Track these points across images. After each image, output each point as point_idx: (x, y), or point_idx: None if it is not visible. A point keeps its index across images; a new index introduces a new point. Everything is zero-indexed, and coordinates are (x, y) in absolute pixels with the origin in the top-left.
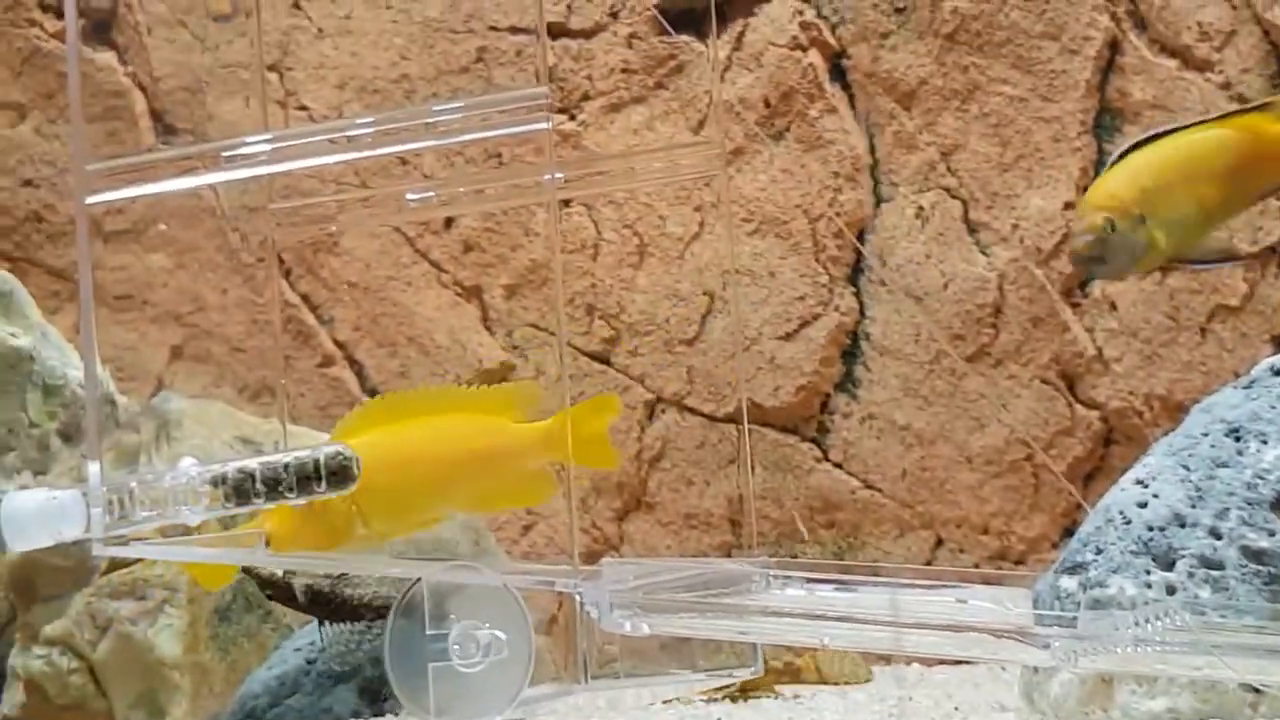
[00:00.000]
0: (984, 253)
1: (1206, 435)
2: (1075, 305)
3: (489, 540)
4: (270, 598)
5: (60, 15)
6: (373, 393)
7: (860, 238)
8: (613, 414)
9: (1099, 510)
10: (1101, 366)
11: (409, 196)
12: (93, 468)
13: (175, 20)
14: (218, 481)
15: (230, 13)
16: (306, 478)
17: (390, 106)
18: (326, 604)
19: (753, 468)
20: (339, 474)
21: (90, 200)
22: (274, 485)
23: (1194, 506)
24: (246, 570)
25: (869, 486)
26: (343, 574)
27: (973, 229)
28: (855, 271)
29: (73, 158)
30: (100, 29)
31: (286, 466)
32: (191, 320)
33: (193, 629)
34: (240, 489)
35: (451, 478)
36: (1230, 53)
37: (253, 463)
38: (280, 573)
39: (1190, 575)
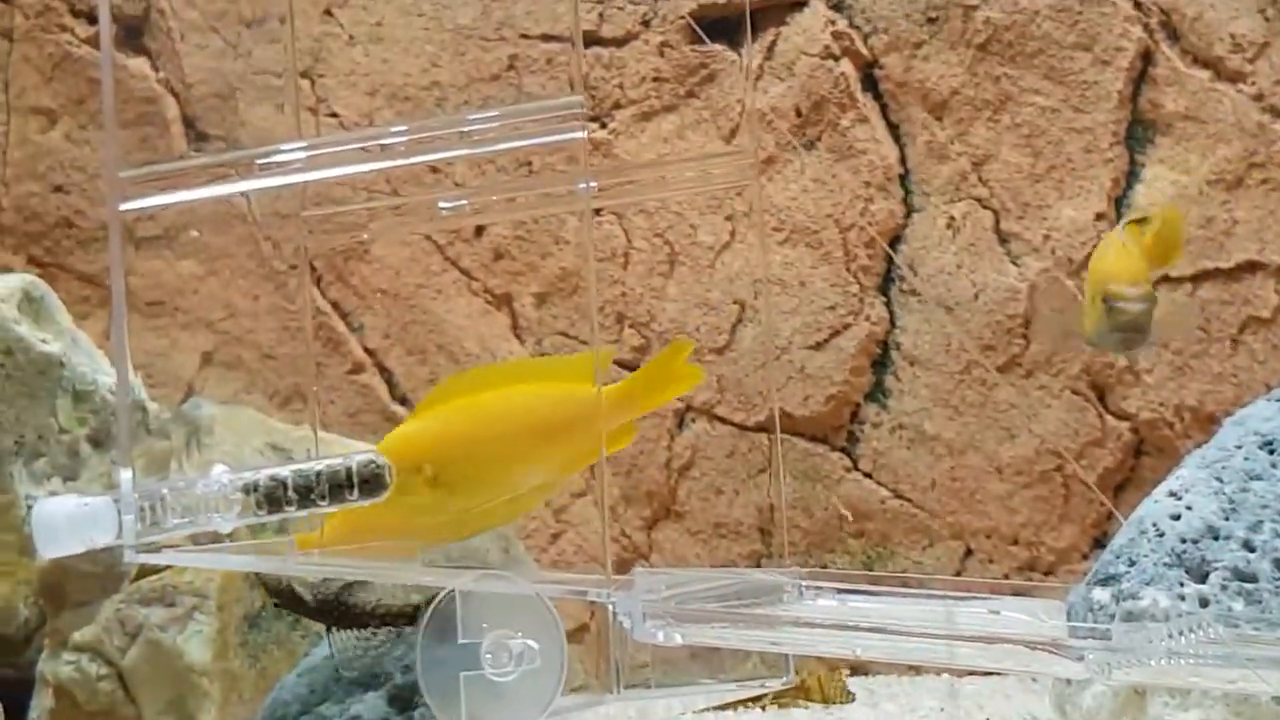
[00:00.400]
0: (1015, 263)
1: (1240, 448)
2: None
3: (518, 548)
4: (278, 605)
5: (92, 21)
6: (403, 400)
7: (892, 247)
8: (686, 350)
9: (1132, 522)
10: (1132, 377)
11: (441, 205)
12: (124, 474)
13: (208, 26)
14: (249, 489)
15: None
16: (339, 486)
17: (421, 114)
18: (333, 611)
19: (782, 477)
20: (371, 482)
21: (123, 207)
22: (306, 493)
23: (1227, 519)
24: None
25: (899, 496)
26: (352, 580)
27: (1004, 239)
28: (886, 281)
29: (105, 164)
30: (132, 35)
31: (319, 474)
32: (223, 327)
33: (222, 636)
34: (272, 496)
35: (530, 447)
36: (1263, 64)
37: (285, 470)
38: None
39: (1224, 588)
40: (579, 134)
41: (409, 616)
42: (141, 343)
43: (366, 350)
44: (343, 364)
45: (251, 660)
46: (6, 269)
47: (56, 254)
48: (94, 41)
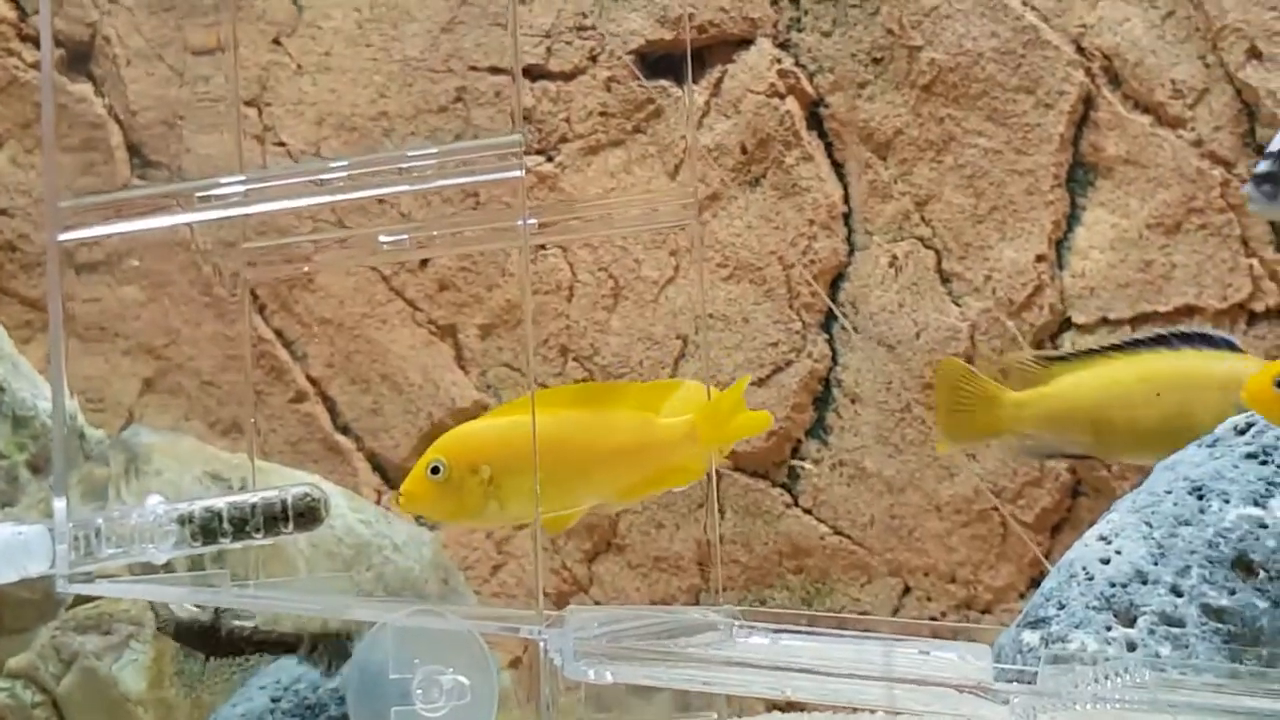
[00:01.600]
0: (956, 303)
1: (1170, 493)
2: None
3: (458, 579)
4: (159, 629)
5: (40, 45)
6: (345, 430)
7: (834, 285)
8: (743, 386)
9: (1062, 565)
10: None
11: (383, 239)
12: (58, 504)
13: (154, 54)
14: (184, 520)
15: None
16: (274, 518)
17: (368, 144)
18: (208, 638)
19: (722, 512)
20: (306, 515)
21: (62, 237)
22: (241, 525)
23: (1156, 564)
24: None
25: (838, 533)
26: (230, 607)
27: (945, 279)
28: (828, 318)
29: (46, 194)
30: (78, 61)
31: (254, 507)
32: (164, 354)
33: (157, 665)
34: (207, 528)
35: (594, 468)
36: (1202, 110)
37: (220, 502)
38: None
39: (1151, 632)
40: (517, 173)
41: (288, 645)
42: (81, 368)
43: (310, 379)
44: (285, 393)
45: (187, 690)
46: None
47: (0, 278)
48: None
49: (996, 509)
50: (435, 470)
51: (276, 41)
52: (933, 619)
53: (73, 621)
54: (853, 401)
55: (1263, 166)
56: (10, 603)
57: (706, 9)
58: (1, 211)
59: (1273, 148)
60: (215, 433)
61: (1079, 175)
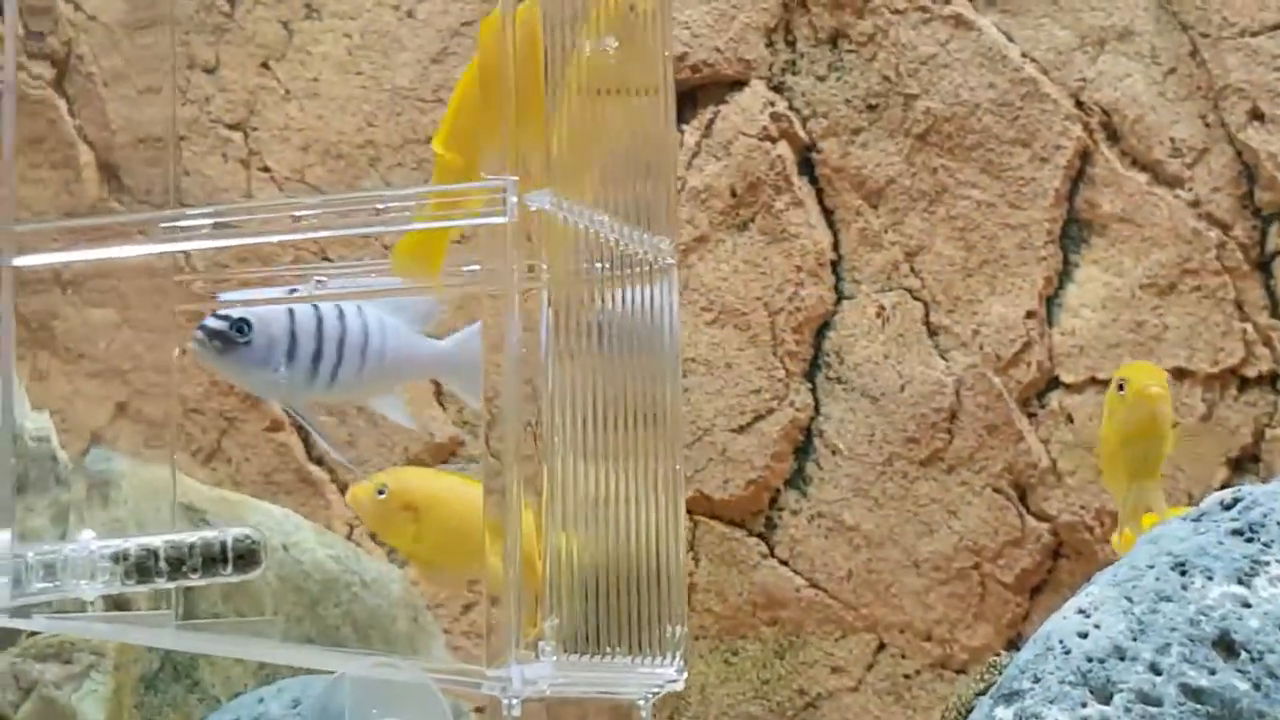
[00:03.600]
0: (943, 357)
1: (1152, 567)
2: (1031, 415)
3: (427, 618)
4: None
5: (26, 59)
6: (319, 461)
7: (820, 334)
8: None
9: (1039, 637)
10: (1054, 478)
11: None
12: (2, 536)
13: (131, 73)
14: (119, 558)
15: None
16: (212, 559)
17: (354, 173)
18: None
19: (697, 560)
20: (245, 558)
21: (16, 261)
22: (178, 565)
23: (1135, 640)
24: None
25: (814, 585)
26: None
27: (933, 332)
28: (813, 367)
29: (1, 217)
30: (56, 77)
31: (191, 547)
32: (135, 377)
33: (117, 696)
34: (143, 567)
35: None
36: (1201, 170)
37: (157, 541)
38: None
39: (1127, 710)
40: (502, 219)
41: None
42: (56, 388)
43: (285, 409)
44: (261, 421)
45: None
46: None
47: None
48: (26, 82)
49: (977, 566)
50: (380, 492)
51: (265, 65)
52: (906, 677)
53: (33, 649)
54: (834, 453)
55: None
56: None
57: (700, 48)
58: None
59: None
60: (194, 461)
61: (1073, 231)
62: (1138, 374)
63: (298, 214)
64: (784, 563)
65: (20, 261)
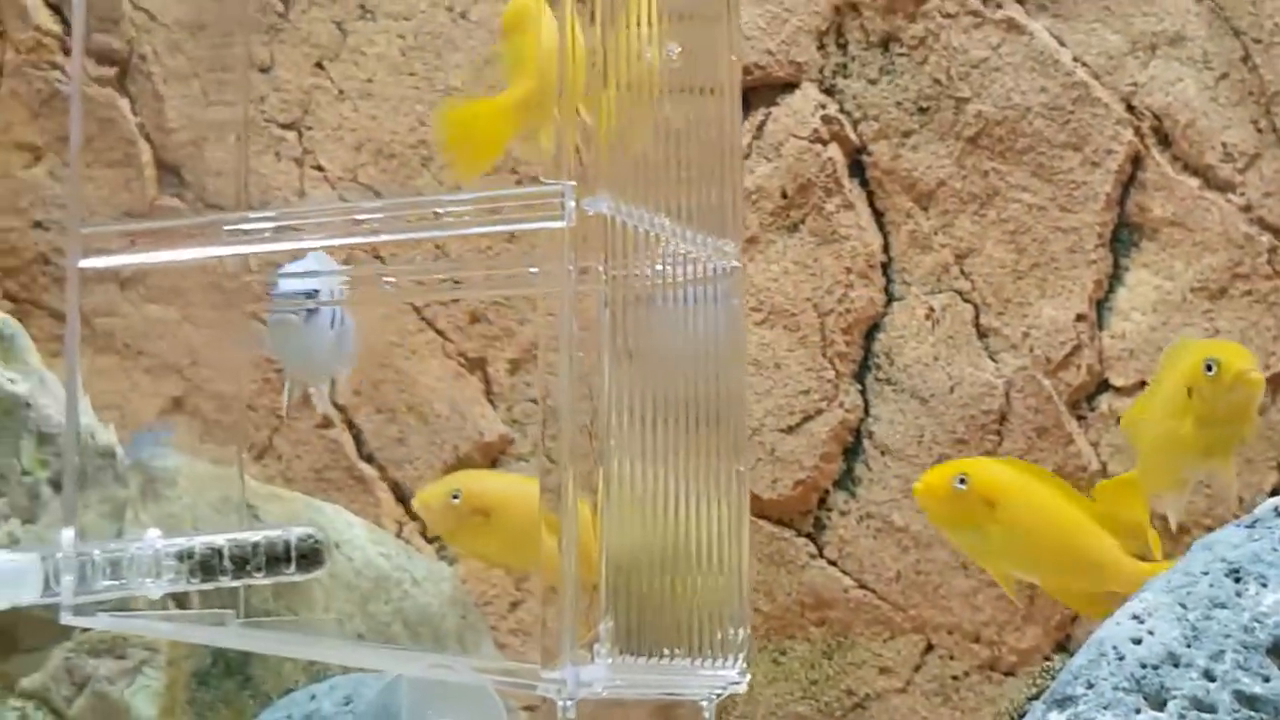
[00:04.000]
0: (993, 359)
1: (1206, 574)
2: (1081, 418)
3: (476, 616)
4: None
5: (87, 58)
6: (369, 459)
7: (869, 335)
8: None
9: (1092, 643)
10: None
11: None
12: (66, 533)
13: (192, 73)
14: (184, 556)
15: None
16: (276, 558)
17: (407, 173)
18: None
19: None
20: (309, 557)
21: (82, 263)
22: (242, 564)
23: (1189, 646)
24: None
25: (862, 586)
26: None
27: (983, 334)
28: (862, 368)
29: (69, 217)
30: (119, 77)
31: (256, 546)
32: (193, 374)
33: (170, 692)
34: (207, 565)
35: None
36: (1253, 175)
37: (221, 539)
38: None
39: (1181, 716)
40: (559, 224)
41: None
42: (114, 384)
43: (336, 406)
44: (312, 417)
45: (198, 718)
46: None
47: (32, 290)
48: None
49: None
50: (455, 496)
51: (319, 65)
52: (954, 678)
53: (87, 644)
54: (883, 453)
55: None
56: (26, 620)
57: (752, 51)
58: (37, 224)
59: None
60: (246, 458)
61: (1124, 235)
62: (1232, 356)
63: (358, 217)
64: (832, 563)
65: (86, 263)
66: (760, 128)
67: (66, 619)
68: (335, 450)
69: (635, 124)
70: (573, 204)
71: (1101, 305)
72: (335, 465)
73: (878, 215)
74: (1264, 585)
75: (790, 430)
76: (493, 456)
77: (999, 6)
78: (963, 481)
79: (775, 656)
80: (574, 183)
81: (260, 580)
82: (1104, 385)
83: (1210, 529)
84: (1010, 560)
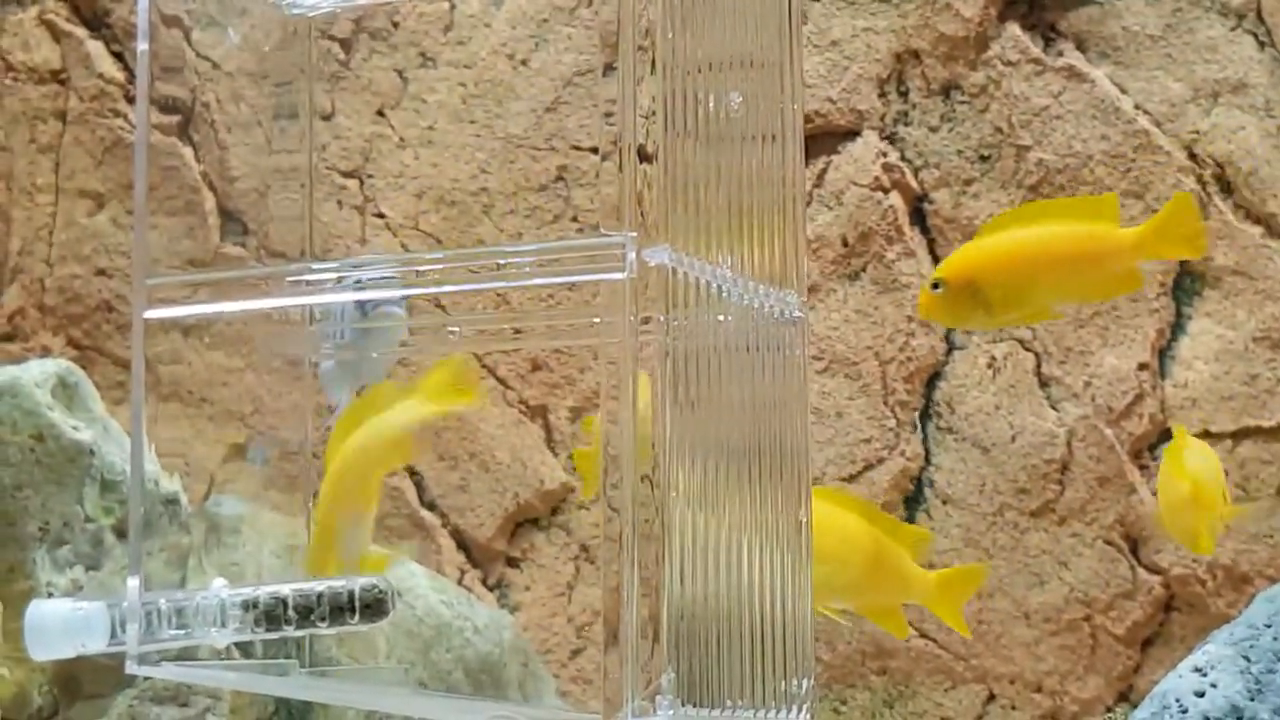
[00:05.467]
0: (1054, 408)
1: (1269, 626)
2: (1143, 468)
3: (537, 664)
4: None
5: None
6: (431, 506)
7: (930, 384)
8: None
9: (1155, 696)
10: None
11: (449, 329)
12: (132, 582)
13: (255, 121)
14: (249, 605)
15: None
16: (340, 608)
17: (467, 220)
18: None
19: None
20: (373, 607)
21: (147, 315)
22: (306, 613)
23: (1253, 699)
24: None
25: (923, 636)
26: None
27: (1044, 383)
28: (924, 417)
29: (134, 269)
30: (182, 125)
31: (320, 596)
32: (257, 421)
33: None
34: (271, 615)
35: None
36: None
37: (286, 589)
38: None
39: None
40: (619, 275)
41: None
42: (178, 432)
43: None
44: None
45: None
46: (45, 350)
47: (95, 337)
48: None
49: (1088, 618)
50: (935, 286)
51: (380, 113)
52: None
53: (150, 691)
54: (944, 503)
55: None
56: (89, 667)
57: (813, 99)
58: (100, 272)
59: None
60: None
61: (1186, 284)
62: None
63: (420, 269)
64: None
65: (151, 314)
66: (821, 176)
67: (132, 668)
68: (396, 498)
69: (697, 173)
70: (633, 255)
71: (1164, 354)
72: (397, 513)
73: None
74: None
75: (852, 479)
76: (553, 504)
77: (1060, 54)
78: None
79: (836, 706)
80: (635, 234)
81: (324, 630)
82: (1166, 435)
83: (1273, 580)
84: (826, 593)
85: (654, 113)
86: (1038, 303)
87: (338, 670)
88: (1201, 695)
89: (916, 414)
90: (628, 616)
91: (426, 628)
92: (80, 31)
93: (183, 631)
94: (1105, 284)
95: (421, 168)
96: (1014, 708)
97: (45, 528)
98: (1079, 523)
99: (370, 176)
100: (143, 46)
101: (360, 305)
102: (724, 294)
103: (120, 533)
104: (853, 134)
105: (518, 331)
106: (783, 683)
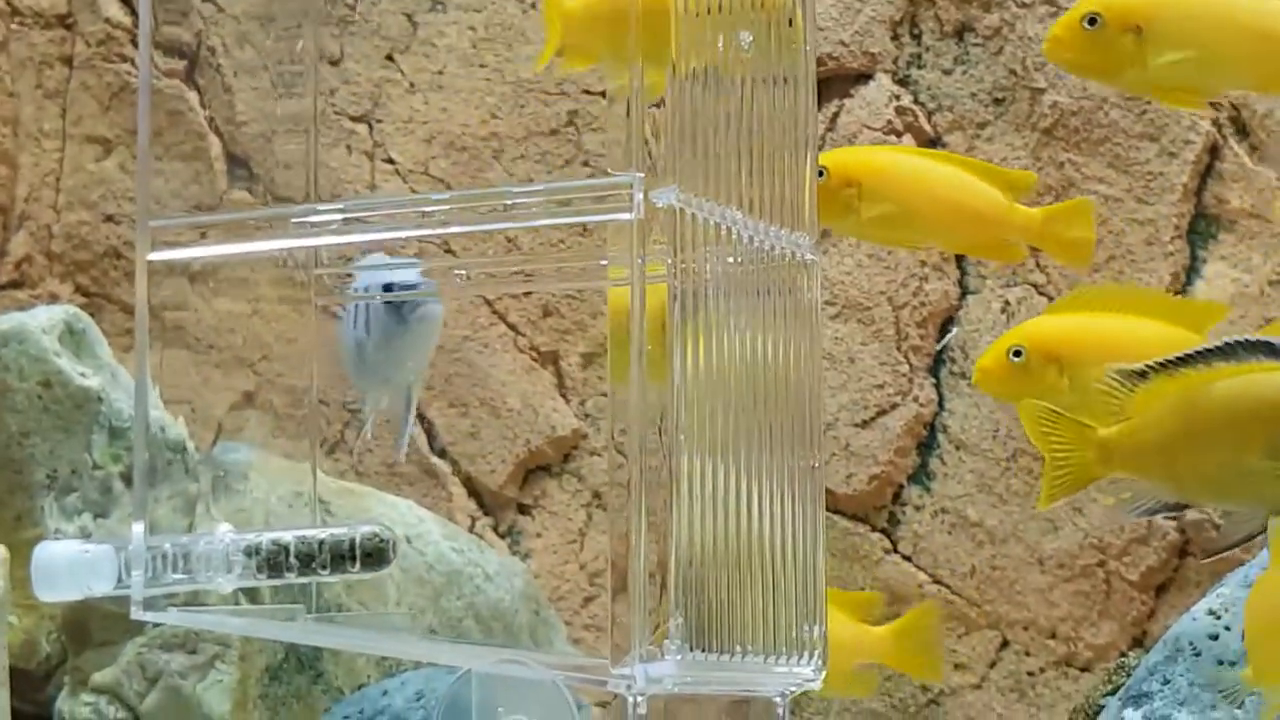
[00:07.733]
0: None
1: None
2: None
3: (549, 612)
4: None
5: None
6: (442, 453)
7: (944, 329)
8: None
9: (1168, 639)
10: None
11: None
12: (136, 527)
13: (261, 66)
14: (251, 552)
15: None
16: (341, 556)
17: (477, 165)
18: None
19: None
20: (374, 555)
21: (151, 256)
22: (308, 561)
23: None
24: None
25: (937, 581)
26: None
27: None
28: (937, 362)
29: (138, 211)
30: (188, 70)
31: (321, 543)
32: (265, 368)
33: (242, 687)
34: (273, 562)
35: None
36: None
37: (288, 536)
38: None
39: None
40: (627, 216)
41: None
42: (184, 378)
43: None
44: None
45: (270, 714)
46: (53, 297)
47: (103, 284)
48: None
49: (1102, 564)
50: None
51: (389, 58)
52: (1030, 674)
53: (159, 639)
54: (957, 448)
55: None
56: (98, 615)
57: (825, 42)
58: (108, 218)
59: None
60: (318, 452)
61: (1200, 227)
62: None
63: (426, 209)
64: (907, 558)
65: (155, 257)
66: (834, 119)
67: (136, 614)
68: (408, 445)
69: (706, 115)
70: (641, 196)
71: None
72: (408, 460)
73: None
74: None
75: (864, 425)
76: (565, 450)
77: None
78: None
79: None
80: (643, 174)
81: (325, 578)
82: None
83: None
84: (900, 231)
85: (664, 53)
86: (911, 227)
87: (345, 616)
88: (1215, 638)
89: (931, 357)
90: (636, 562)
91: (437, 575)
92: None
93: (187, 576)
94: (983, 244)
95: (431, 112)
96: (1028, 654)
97: (53, 475)
98: None
99: (379, 121)
100: None
101: (395, 307)
102: (734, 235)
103: (128, 480)
104: (865, 77)
105: (528, 275)
106: (794, 629)
